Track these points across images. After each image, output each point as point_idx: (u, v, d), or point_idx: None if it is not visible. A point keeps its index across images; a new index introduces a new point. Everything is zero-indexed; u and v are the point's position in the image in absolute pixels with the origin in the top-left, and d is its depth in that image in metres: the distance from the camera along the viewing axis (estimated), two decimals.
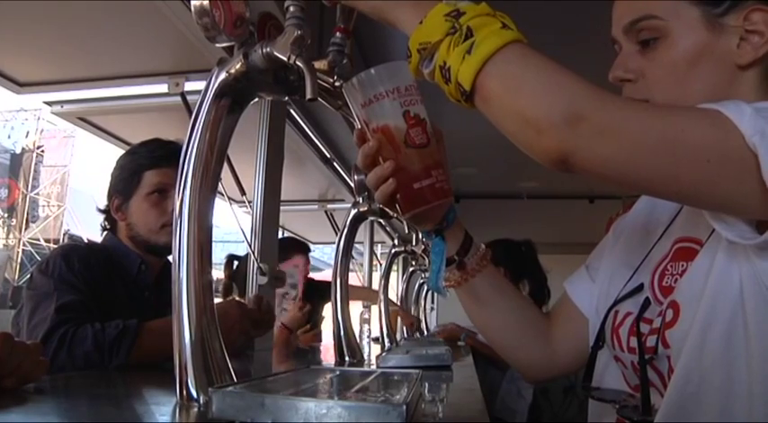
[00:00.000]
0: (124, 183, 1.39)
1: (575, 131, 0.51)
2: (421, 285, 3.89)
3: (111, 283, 1.26)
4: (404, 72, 0.67)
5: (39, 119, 14.21)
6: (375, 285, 3.59)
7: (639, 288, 0.73)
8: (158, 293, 1.38)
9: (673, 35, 0.66)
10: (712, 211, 0.57)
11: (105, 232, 1.44)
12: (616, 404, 0.70)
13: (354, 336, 1.42)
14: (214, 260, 0.69)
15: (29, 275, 1.23)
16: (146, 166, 1.38)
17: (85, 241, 1.67)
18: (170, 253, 1.41)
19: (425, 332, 3.10)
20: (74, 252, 1.25)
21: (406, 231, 1.62)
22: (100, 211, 1.44)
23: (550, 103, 0.52)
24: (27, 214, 14.01)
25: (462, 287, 0.85)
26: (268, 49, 0.67)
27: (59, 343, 1.04)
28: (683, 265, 0.69)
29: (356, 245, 1.34)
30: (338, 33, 0.76)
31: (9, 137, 14.45)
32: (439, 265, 0.79)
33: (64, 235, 13.55)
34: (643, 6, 0.68)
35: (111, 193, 1.41)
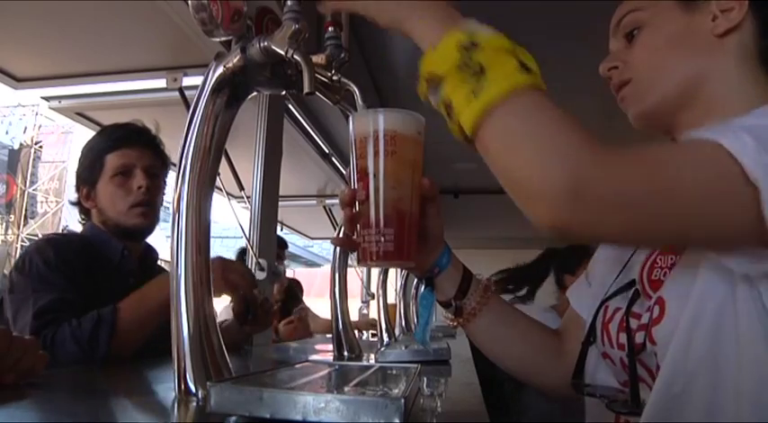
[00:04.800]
0: (88, 170, 1.39)
1: (574, 205, 0.48)
2: (420, 281, 3.90)
3: (92, 273, 1.25)
4: (361, 122, 0.66)
5: (36, 114, 14.16)
6: (373, 281, 3.60)
7: (631, 284, 0.72)
8: (143, 279, 1.36)
9: (653, 22, 0.70)
10: (713, 249, 0.55)
11: (84, 223, 1.44)
12: (606, 399, 0.69)
13: (353, 330, 1.42)
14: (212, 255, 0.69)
15: (8, 276, 1.20)
16: (106, 149, 1.38)
17: (62, 233, 1.67)
18: (143, 236, 1.43)
19: None
20: (49, 246, 1.23)
21: None
22: (72, 203, 1.45)
23: (549, 171, 0.48)
24: (25, 210, 13.98)
25: (467, 327, 0.83)
26: (266, 44, 0.67)
27: (43, 349, 1.02)
28: (671, 258, 0.68)
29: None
30: (330, 28, 0.76)
31: (7, 132, 14.40)
32: (426, 319, 0.77)
33: (63, 231, 13.52)
34: (626, 5, 0.73)
35: (79, 183, 1.42)
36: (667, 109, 0.71)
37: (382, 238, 0.64)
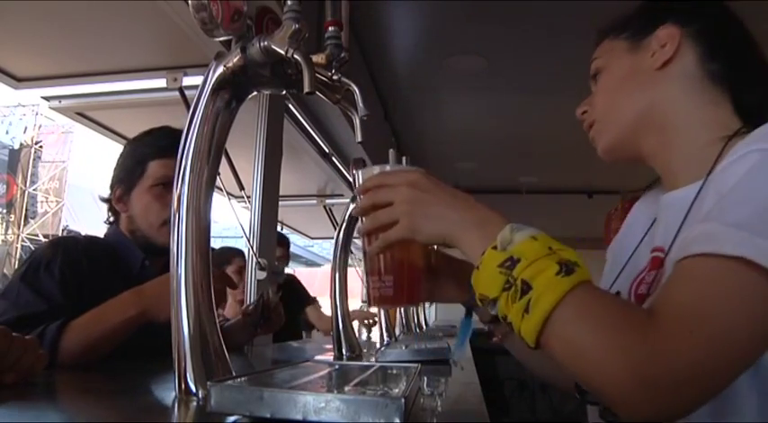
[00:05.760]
0: (127, 172, 1.31)
1: (651, 397, 0.48)
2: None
3: (109, 279, 1.19)
4: (366, 176, 0.70)
5: (36, 114, 14.17)
6: None
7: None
8: None
9: (608, 67, 0.81)
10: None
11: (109, 226, 1.36)
12: (600, 406, 0.70)
13: (353, 330, 1.42)
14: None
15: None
16: (150, 155, 1.30)
17: (82, 236, 1.53)
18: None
19: (424, 327, 3.11)
20: (56, 249, 1.17)
21: None
22: (103, 199, 1.38)
23: (616, 373, 0.48)
24: (25, 210, 13.98)
25: (506, 342, 0.90)
26: (266, 43, 0.67)
27: None
28: (653, 274, 0.72)
29: (355, 240, 1.35)
30: (330, 27, 0.76)
31: (7, 132, 14.40)
32: (462, 341, 0.82)
33: (63, 231, 13.52)
34: (594, 54, 0.84)
35: (114, 183, 1.33)
36: (628, 141, 0.78)
37: (383, 284, 0.69)
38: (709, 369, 0.48)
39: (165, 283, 1.05)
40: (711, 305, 0.49)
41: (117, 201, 1.32)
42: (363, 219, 0.69)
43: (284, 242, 3.32)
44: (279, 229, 3.31)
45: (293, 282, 3.49)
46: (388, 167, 0.71)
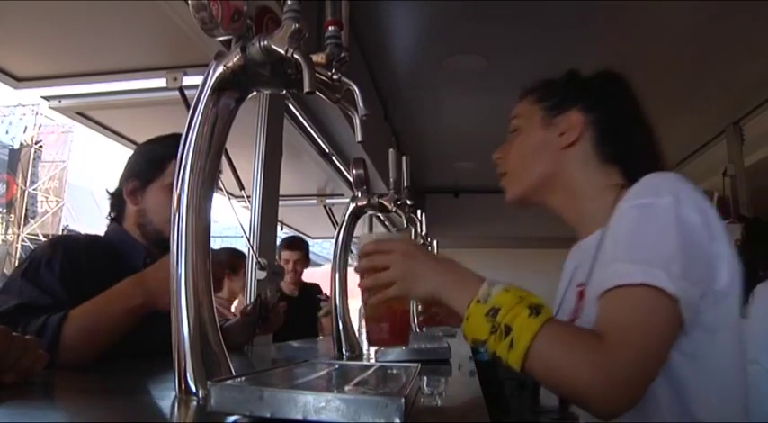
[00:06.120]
0: (145, 168, 1.31)
1: (616, 395, 0.66)
2: None
3: (110, 277, 1.14)
4: (365, 242, 0.87)
5: (36, 114, 14.15)
6: None
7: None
8: None
9: (524, 130, 0.99)
10: None
11: (110, 223, 1.36)
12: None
13: (353, 330, 1.42)
14: None
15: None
16: (170, 156, 1.25)
17: (82, 235, 1.49)
18: None
19: (424, 327, 3.10)
20: (56, 247, 1.16)
21: (405, 225, 1.62)
22: (110, 194, 1.37)
23: (588, 381, 0.66)
24: (25, 210, 13.97)
25: None
26: (266, 43, 0.67)
27: None
28: (576, 307, 0.90)
29: (355, 239, 1.35)
30: (331, 27, 0.76)
31: (7, 132, 14.38)
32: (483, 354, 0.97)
33: (63, 230, 13.52)
34: (515, 109, 1.02)
35: (128, 177, 1.33)
36: (532, 196, 0.98)
37: (381, 330, 0.85)
38: (646, 369, 0.68)
39: (167, 269, 1.06)
40: (638, 323, 0.69)
41: (129, 193, 1.32)
42: (364, 274, 0.85)
43: (303, 246, 3.31)
44: (279, 229, 3.31)
45: (314, 289, 3.49)
46: (382, 234, 0.88)
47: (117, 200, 1.35)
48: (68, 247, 1.19)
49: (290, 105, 2.45)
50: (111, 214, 1.36)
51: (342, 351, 1.36)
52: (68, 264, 1.14)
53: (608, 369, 0.65)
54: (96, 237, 1.36)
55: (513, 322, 0.68)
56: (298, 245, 3.31)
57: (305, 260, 3.31)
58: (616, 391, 0.66)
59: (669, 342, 0.70)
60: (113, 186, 1.37)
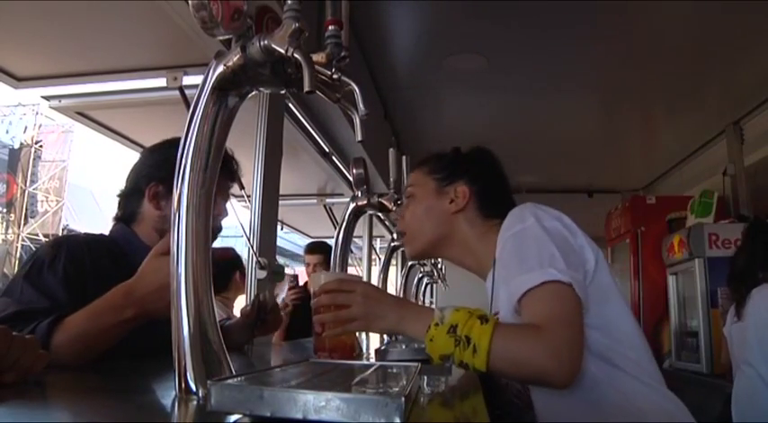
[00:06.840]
0: (173, 173, 1.26)
1: (567, 369, 0.83)
2: (420, 279, 3.90)
3: (114, 278, 1.10)
4: (314, 282, 1.05)
5: (37, 114, 14.16)
6: (374, 279, 3.60)
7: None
8: None
9: (418, 197, 1.21)
10: None
11: (115, 223, 1.32)
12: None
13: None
14: None
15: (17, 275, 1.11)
16: None
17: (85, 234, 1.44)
18: None
19: None
20: (59, 248, 1.15)
21: None
22: (125, 194, 1.31)
23: (543, 363, 0.82)
24: (25, 209, 13.98)
25: None
26: (266, 42, 0.66)
27: None
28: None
29: (355, 239, 1.35)
30: (331, 26, 0.76)
31: (7, 132, 14.39)
32: None
33: (63, 230, 13.52)
34: (410, 178, 1.25)
35: (151, 179, 1.27)
36: (430, 252, 1.22)
37: (331, 358, 0.99)
38: (577, 339, 0.86)
39: (154, 278, 1.01)
40: (556, 309, 0.87)
41: (151, 197, 1.28)
42: (321, 309, 1.00)
43: (324, 250, 3.33)
44: (279, 228, 3.31)
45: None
46: (340, 274, 1.03)
47: (128, 201, 1.31)
48: (71, 247, 1.18)
49: (291, 105, 2.45)
50: (119, 214, 1.33)
51: None
52: (72, 265, 1.13)
53: (553, 348, 0.82)
54: (100, 236, 1.33)
55: (471, 332, 0.84)
56: (318, 249, 3.41)
57: (326, 263, 3.34)
58: (564, 363, 0.82)
59: (581, 316, 0.89)
60: (118, 186, 1.33)
